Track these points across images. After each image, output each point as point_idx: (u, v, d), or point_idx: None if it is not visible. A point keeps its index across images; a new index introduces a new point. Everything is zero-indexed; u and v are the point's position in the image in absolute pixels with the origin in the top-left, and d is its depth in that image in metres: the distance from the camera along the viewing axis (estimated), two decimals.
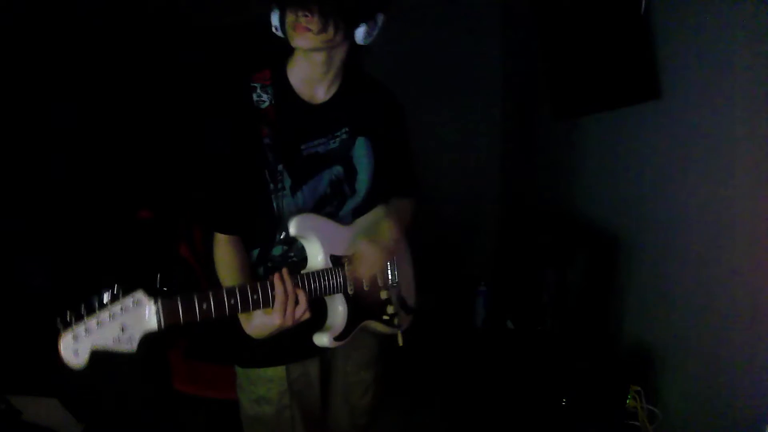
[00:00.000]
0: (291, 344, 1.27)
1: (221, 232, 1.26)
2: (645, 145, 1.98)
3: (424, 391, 2.69)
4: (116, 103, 3.40)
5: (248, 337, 1.21)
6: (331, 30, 1.11)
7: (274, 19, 1.15)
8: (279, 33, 1.16)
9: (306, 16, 1.10)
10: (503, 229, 3.47)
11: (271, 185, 1.21)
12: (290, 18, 1.12)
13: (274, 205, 1.22)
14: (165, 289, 2.06)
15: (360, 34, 1.16)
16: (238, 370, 1.41)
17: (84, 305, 0.93)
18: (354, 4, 1.12)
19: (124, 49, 3.36)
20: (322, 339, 1.27)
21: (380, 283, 1.36)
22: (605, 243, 2.12)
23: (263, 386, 1.36)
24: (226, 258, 1.26)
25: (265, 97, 1.21)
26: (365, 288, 1.32)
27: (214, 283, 1.26)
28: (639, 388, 1.73)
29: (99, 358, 0.93)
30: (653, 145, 1.92)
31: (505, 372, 2.14)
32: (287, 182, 1.23)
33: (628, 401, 1.72)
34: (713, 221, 1.63)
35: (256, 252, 1.31)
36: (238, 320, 1.22)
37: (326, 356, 1.43)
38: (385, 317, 1.37)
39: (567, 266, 2.08)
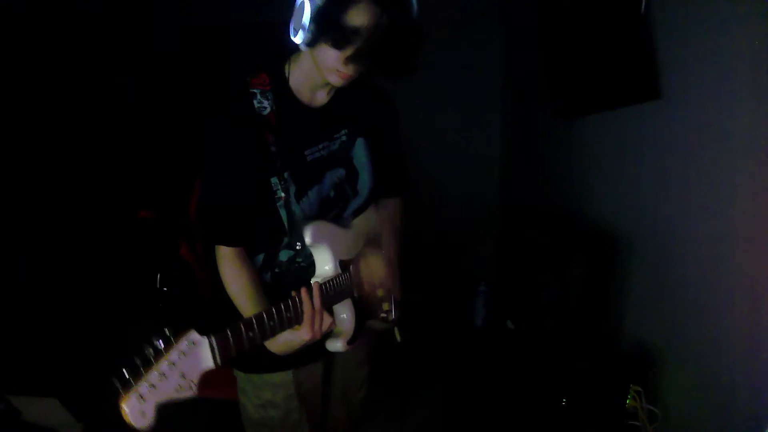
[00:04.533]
0: (299, 351, 1.24)
1: (228, 245, 1.22)
2: (645, 145, 1.98)
3: (424, 391, 2.69)
4: (116, 103, 3.40)
5: None
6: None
7: (306, 39, 1.09)
8: (298, 42, 1.10)
9: (356, 69, 1.11)
10: (503, 229, 3.47)
11: (278, 193, 1.19)
12: (333, 62, 1.10)
13: (282, 213, 1.20)
14: (165, 289, 2.06)
15: None
16: (239, 374, 1.38)
17: (138, 358, 0.85)
18: (395, 70, 1.16)
19: (120, 49, 3.36)
20: (336, 345, 1.26)
21: (377, 284, 1.36)
22: (605, 243, 2.12)
23: (269, 391, 1.35)
24: (235, 274, 1.22)
25: (266, 103, 1.18)
26: (365, 290, 1.32)
27: (216, 285, 1.25)
28: (639, 388, 1.72)
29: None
30: (653, 145, 1.92)
31: (505, 372, 2.14)
32: (292, 189, 1.21)
33: (628, 401, 1.72)
34: (713, 221, 1.63)
35: (260, 257, 1.29)
36: None
37: (330, 357, 1.43)
38: (382, 315, 1.39)
39: (567, 266, 2.08)
